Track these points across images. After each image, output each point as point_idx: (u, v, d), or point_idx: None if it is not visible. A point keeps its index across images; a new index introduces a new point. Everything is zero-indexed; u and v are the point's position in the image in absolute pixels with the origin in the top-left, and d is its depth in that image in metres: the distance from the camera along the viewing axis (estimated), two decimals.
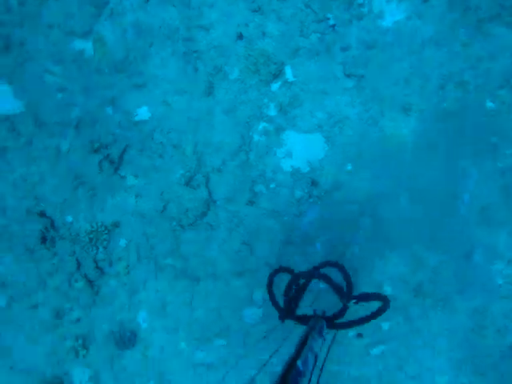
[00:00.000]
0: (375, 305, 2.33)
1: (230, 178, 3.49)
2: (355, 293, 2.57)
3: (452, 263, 3.36)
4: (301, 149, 3.46)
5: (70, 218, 3.48)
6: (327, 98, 3.44)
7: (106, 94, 3.45)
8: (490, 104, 3.19)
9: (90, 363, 3.46)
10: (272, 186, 3.47)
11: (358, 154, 3.42)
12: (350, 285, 2.39)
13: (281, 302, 2.55)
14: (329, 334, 1.89)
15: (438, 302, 3.36)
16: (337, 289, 2.31)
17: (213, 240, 3.50)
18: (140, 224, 3.50)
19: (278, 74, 3.42)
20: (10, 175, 3.42)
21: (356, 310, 2.51)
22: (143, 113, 3.47)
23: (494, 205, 3.25)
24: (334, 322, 2.01)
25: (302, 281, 2.67)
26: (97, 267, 3.50)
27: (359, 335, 3.44)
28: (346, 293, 2.37)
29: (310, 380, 1.36)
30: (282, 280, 2.92)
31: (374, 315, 2.12)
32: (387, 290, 3.40)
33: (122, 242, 3.51)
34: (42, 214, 3.44)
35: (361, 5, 3.25)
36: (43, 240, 3.43)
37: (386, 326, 3.40)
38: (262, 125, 3.47)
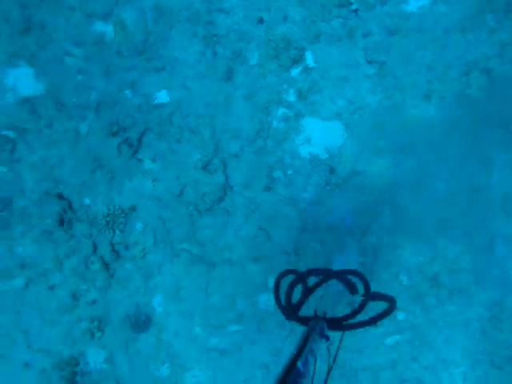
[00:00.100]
0: (381, 304, 2.29)
1: (247, 164, 3.47)
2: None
3: (470, 254, 3.32)
4: (319, 135, 3.43)
5: (87, 201, 3.49)
6: (348, 85, 3.41)
7: (126, 77, 3.45)
8: None
9: (105, 345, 3.48)
10: (289, 172, 3.45)
11: (378, 142, 3.38)
12: (368, 291, 2.36)
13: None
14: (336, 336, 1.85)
15: (455, 292, 3.33)
16: (352, 288, 2.26)
17: (229, 225, 3.49)
18: (157, 208, 3.51)
19: (298, 60, 3.39)
20: (30, 157, 3.44)
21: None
22: (162, 96, 3.46)
23: None
24: (341, 323, 1.97)
25: (305, 282, 2.60)
26: (113, 250, 3.52)
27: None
28: (364, 294, 2.33)
29: (311, 381, 1.35)
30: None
31: (381, 316, 2.09)
32: (403, 280, 3.38)
33: (139, 226, 3.52)
34: (60, 196, 3.46)
35: None
36: (61, 222, 3.45)
37: (401, 316, 3.38)
38: (280, 110, 3.45)
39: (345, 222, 3.40)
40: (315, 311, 2.07)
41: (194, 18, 3.38)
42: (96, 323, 3.45)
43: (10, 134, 3.37)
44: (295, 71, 3.43)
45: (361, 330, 3.38)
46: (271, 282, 3.49)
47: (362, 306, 2.09)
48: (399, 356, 3.37)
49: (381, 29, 3.27)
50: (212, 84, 3.46)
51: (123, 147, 3.45)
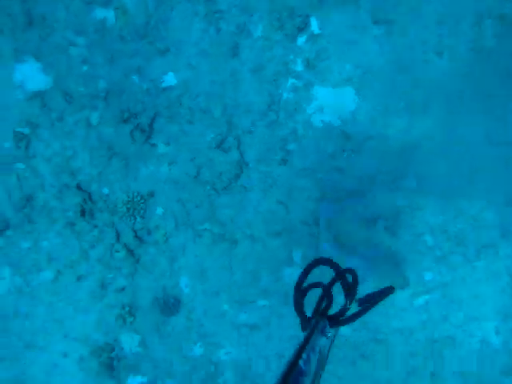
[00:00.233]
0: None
1: (260, 139, 3.45)
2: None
3: (494, 209, 3.28)
4: (331, 103, 3.39)
5: (106, 190, 3.52)
6: (356, 49, 3.34)
7: (131, 63, 3.43)
8: None
9: (137, 329, 3.55)
10: (304, 142, 3.43)
11: (391, 104, 3.33)
12: (355, 289, 2.12)
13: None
14: (330, 333, 1.80)
15: (481, 248, 3.30)
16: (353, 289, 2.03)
17: (248, 202, 3.50)
18: (174, 191, 3.52)
19: (303, 28, 3.33)
20: (45, 151, 3.46)
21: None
22: (169, 79, 3.44)
23: None
24: (338, 319, 1.88)
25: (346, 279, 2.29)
26: (136, 236, 3.56)
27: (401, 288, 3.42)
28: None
29: (313, 380, 1.34)
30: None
31: (380, 295, 1.93)
32: (428, 240, 3.36)
33: (159, 211, 3.55)
34: (79, 188, 3.49)
35: None
36: (82, 213, 3.49)
37: (428, 276, 3.37)
38: (290, 81, 3.41)
39: (363, 187, 3.38)
40: (315, 309, 1.93)
41: None
42: (127, 309, 3.51)
43: (25, 130, 3.40)
44: (301, 40, 3.38)
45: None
46: (295, 255, 3.51)
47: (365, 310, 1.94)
48: (429, 316, 3.37)
49: None
50: (218, 61, 3.42)
51: (136, 133, 3.45)
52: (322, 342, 1.65)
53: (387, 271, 3.39)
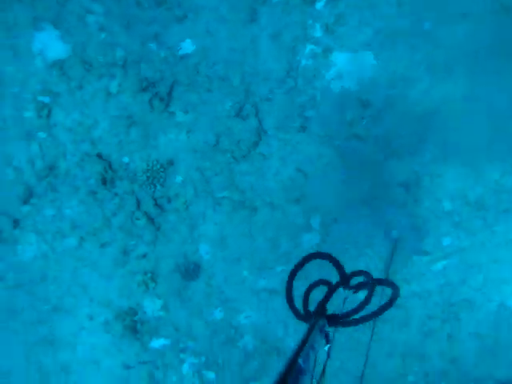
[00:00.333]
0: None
1: (279, 106, 3.45)
2: None
3: None
4: (350, 68, 3.36)
5: (126, 159, 3.56)
6: (374, 12, 3.29)
7: (149, 30, 3.42)
8: None
9: (159, 294, 3.64)
10: (322, 109, 3.42)
11: (410, 69, 3.29)
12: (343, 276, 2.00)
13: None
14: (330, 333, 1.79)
15: (501, 213, 3.31)
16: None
17: (266, 170, 3.52)
18: (194, 159, 3.56)
19: None
20: (66, 120, 3.50)
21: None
22: (187, 46, 3.43)
23: None
24: (338, 320, 1.84)
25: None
26: (156, 204, 3.61)
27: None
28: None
29: (312, 378, 1.34)
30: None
31: (383, 309, 1.78)
32: (446, 206, 3.37)
33: (178, 179, 3.59)
34: (100, 157, 3.54)
35: None
36: (103, 181, 3.54)
37: (446, 241, 3.39)
38: (308, 47, 3.38)
39: (382, 154, 3.38)
40: (315, 308, 1.89)
41: None
42: (149, 275, 3.60)
43: (46, 99, 3.43)
44: (319, 4, 3.33)
45: (408, 258, 3.46)
46: (313, 222, 3.54)
47: (364, 304, 1.86)
48: (447, 280, 3.41)
49: None
50: (236, 27, 3.40)
51: (155, 102, 3.47)
52: (321, 340, 1.63)
53: (404, 236, 3.42)
